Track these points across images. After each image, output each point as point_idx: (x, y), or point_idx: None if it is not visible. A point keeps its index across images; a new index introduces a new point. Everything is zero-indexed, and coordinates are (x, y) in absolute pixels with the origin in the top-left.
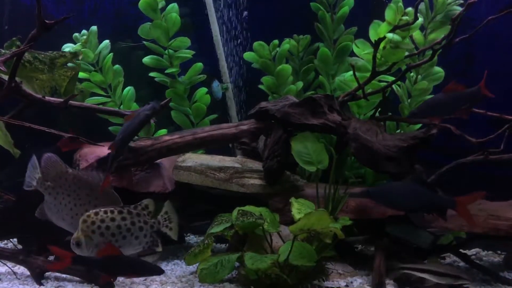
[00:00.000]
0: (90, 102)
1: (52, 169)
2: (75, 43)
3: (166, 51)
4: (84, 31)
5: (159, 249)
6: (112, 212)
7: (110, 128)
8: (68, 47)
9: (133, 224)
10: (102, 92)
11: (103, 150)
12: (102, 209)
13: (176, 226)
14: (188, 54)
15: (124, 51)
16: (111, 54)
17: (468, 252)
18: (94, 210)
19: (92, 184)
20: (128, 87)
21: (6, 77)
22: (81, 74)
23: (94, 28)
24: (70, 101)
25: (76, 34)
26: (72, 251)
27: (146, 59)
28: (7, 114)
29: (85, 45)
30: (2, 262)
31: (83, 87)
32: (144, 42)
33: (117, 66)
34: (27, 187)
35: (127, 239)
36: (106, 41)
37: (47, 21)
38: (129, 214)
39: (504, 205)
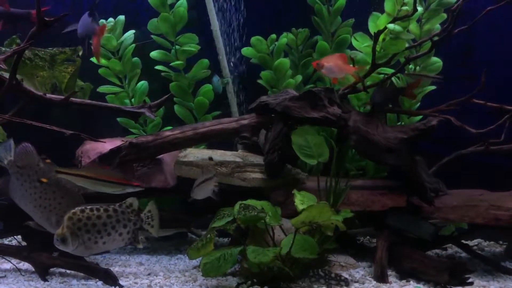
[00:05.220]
0: (104, 89)
1: (25, 158)
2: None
3: (174, 47)
4: (111, 19)
5: (140, 245)
6: (98, 210)
7: (118, 119)
8: None
9: (118, 221)
10: (117, 81)
11: (105, 146)
12: (88, 207)
13: (158, 224)
14: (194, 48)
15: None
16: (134, 45)
17: (470, 243)
18: (80, 208)
19: (60, 183)
20: (142, 81)
21: (7, 75)
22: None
23: (121, 17)
24: (71, 98)
25: (103, 20)
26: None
27: (154, 53)
28: (8, 111)
29: (110, 32)
30: (7, 259)
31: (83, 84)
32: (153, 36)
33: (136, 58)
34: None
35: (111, 236)
36: (131, 31)
37: (46, 19)
38: (114, 212)
39: (505, 195)
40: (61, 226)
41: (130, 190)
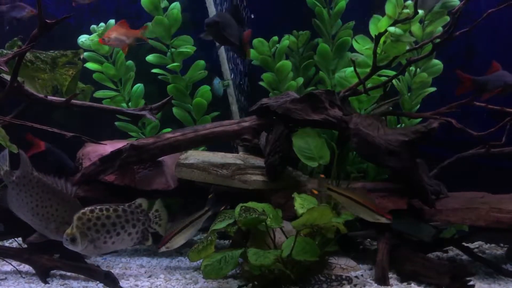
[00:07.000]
0: (100, 94)
1: (20, 167)
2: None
3: (169, 49)
4: (102, 24)
5: (149, 243)
6: (107, 210)
7: (116, 123)
8: (83, 38)
9: (127, 221)
10: (112, 85)
11: (106, 148)
12: (98, 207)
13: (165, 223)
14: (189, 49)
15: (131, 46)
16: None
17: (471, 245)
18: (89, 208)
19: (55, 190)
20: (138, 84)
21: (8, 77)
22: (93, 66)
23: (112, 21)
24: (72, 100)
25: (94, 25)
26: None
27: (150, 57)
28: (9, 113)
29: (101, 36)
30: (7, 261)
31: (84, 87)
32: (148, 40)
33: (129, 61)
34: None
35: (120, 236)
36: None
37: (47, 21)
38: (123, 212)
39: (506, 198)
40: (71, 226)
41: (382, 220)
